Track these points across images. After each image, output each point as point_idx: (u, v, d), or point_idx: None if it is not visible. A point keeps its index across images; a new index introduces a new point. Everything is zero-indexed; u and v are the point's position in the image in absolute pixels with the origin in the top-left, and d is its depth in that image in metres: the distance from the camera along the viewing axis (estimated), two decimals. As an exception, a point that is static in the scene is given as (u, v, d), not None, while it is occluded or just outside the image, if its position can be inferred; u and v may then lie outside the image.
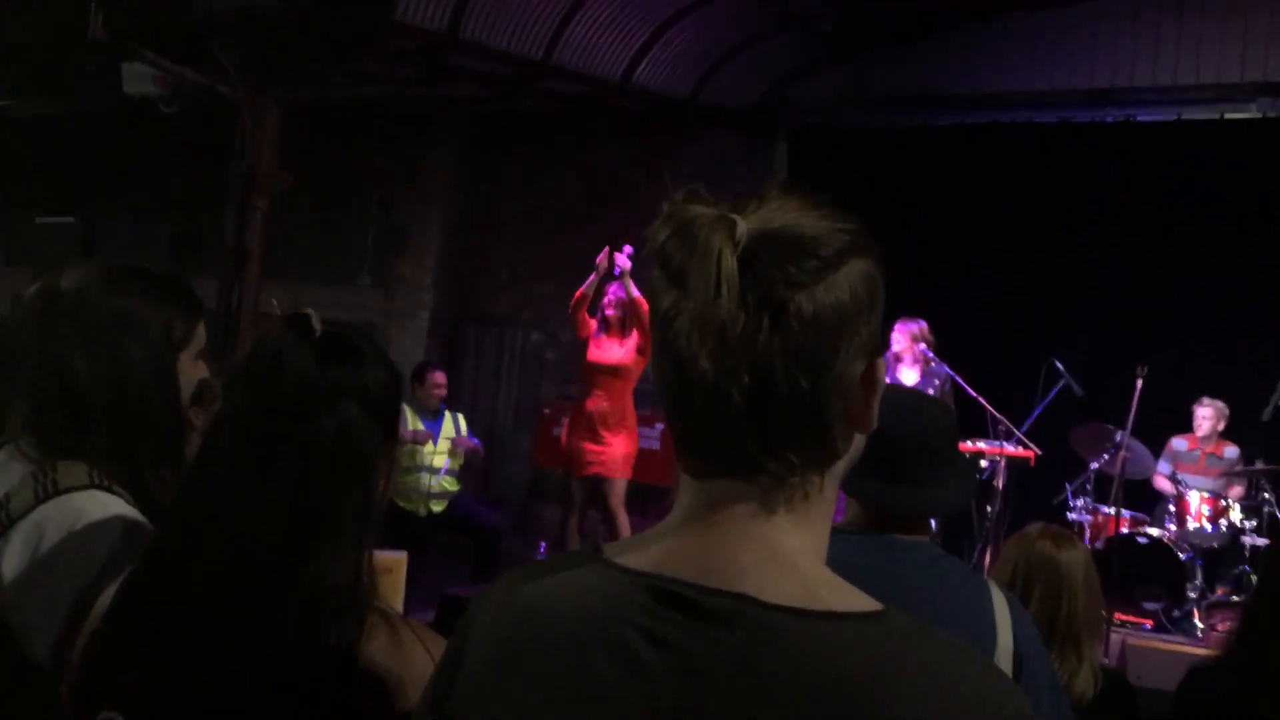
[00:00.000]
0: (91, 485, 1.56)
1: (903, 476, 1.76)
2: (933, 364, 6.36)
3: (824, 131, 8.70)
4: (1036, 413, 6.54)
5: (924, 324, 6.44)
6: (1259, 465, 6.41)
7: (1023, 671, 1.66)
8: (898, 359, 6.36)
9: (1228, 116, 7.40)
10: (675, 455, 0.90)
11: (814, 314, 0.82)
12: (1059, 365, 6.52)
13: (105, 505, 1.55)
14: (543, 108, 8.64)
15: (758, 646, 0.80)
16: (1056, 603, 2.66)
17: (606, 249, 6.30)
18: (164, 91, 6.47)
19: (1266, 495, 6.26)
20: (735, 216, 0.83)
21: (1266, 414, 6.38)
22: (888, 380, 5.82)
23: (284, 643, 1.24)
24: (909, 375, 6.36)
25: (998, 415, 6.01)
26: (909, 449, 1.77)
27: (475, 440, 6.90)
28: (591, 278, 6.34)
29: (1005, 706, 0.80)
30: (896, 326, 6.39)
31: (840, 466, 0.90)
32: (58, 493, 1.54)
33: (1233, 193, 7.38)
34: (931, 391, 6.32)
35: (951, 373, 6.35)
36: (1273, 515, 6.24)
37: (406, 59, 7.05)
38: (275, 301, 5.70)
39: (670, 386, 0.86)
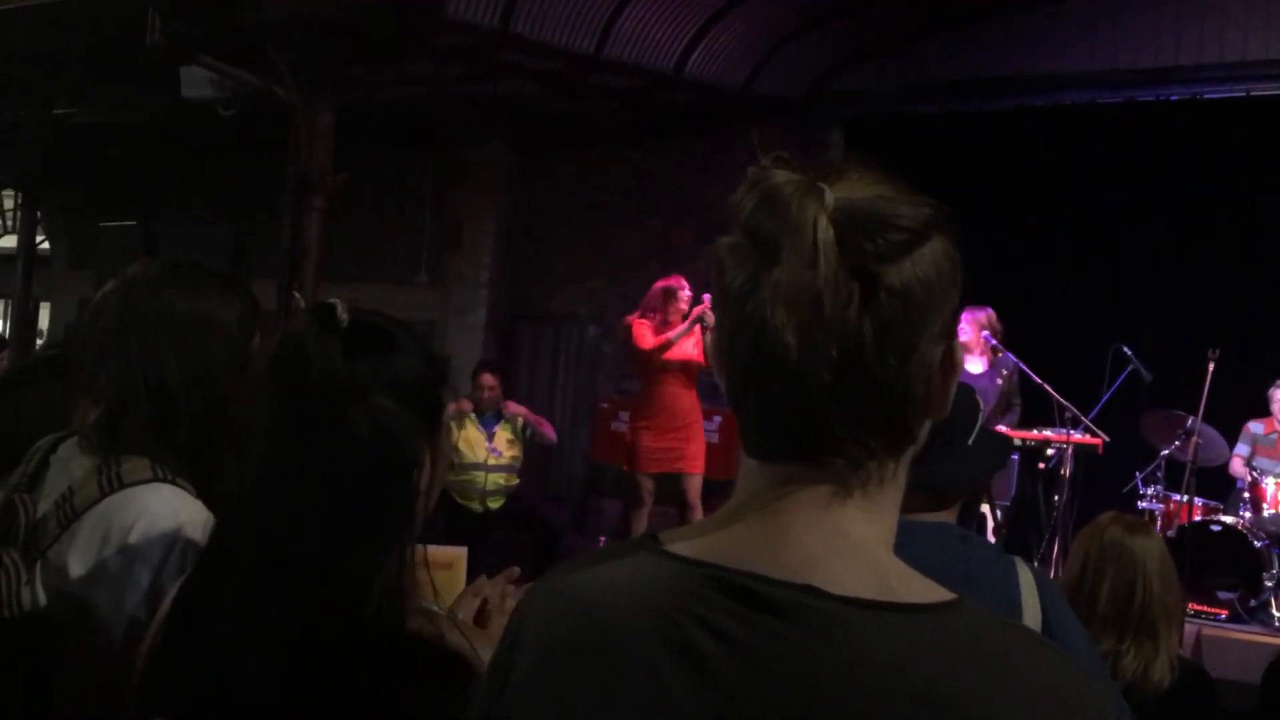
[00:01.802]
0: (156, 479, 1.56)
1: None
2: (1000, 354, 6.25)
3: (878, 120, 8.59)
4: (1105, 399, 6.41)
5: (991, 312, 6.35)
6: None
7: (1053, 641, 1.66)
8: (965, 348, 6.25)
9: (1296, 92, 7.17)
10: (741, 440, 0.87)
11: (903, 289, 0.79)
12: (1127, 351, 6.38)
13: (169, 499, 1.55)
14: (595, 102, 8.62)
15: (826, 640, 0.76)
16: (1130, 590, 2.60)
17: (705, 300, 6.14)
18: (221, 95, 6.55)
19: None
20: (823, 185, 0.80)
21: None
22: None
23: (325, 646, 1.21)
24: (975, 365, 6.27)
25: (1064, 403, 5.89)
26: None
27: (547, 425, 6.97)
28: (682, 326, 6.20)
29: (1087, 700, 0.77)
30: (963, 315, 6.29)
31: (911, 453, 0.87)
32: (123, 486, 1.54)
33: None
34: (999, 382, 6.23)
35: (1018, 361, 6.25)
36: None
37: (458, 57, 7.07)
38: (298, 295, 5.75)
39: (744, 365, 0.82)
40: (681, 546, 0.84)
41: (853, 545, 0.81)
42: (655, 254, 9.09)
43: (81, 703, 1.51)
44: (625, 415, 7.96)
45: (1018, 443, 6.09)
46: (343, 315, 1.27)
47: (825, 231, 0.78)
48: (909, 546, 1.69)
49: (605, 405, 8.75)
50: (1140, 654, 2.59)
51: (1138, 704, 2.45)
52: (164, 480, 1.56)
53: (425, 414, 1.30)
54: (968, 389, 2.00)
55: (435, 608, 1.36)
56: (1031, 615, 1.68)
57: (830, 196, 0.79)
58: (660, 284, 6.30)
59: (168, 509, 1.54)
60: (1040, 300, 7.84)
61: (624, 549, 0.88)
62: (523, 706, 0.85)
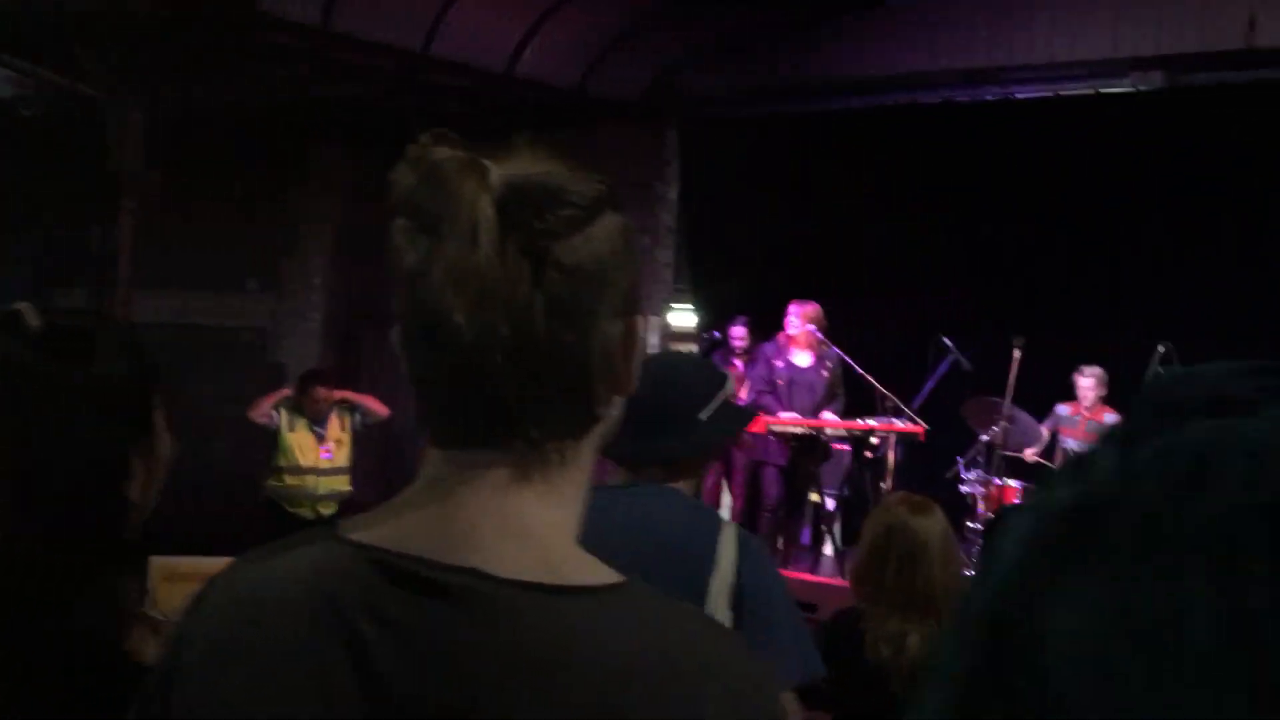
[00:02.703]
0: None
1: (638, 432, 1.85)
2: (826, 346, 6.41)
3: (715, 121, 8.73)
4: (927, 389, 6.63)
5: (817, 306, 6.48)
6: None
7: (744, 605, 1.75)
8: (792, 341, 6.39)
9: (1102, 91, 7.55)
10: (422, 427, 0.85)
11: (575, 265, 0.78)
12: (947, 341, 6.61)
13: None
14: (430, 102, 8.51)
15: (488, 624, 0.75)
16: (913, 567, 2.67)
17: None
18: (22, 93, 6.23)
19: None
20: (487, 162, 0.78)
21: (1147, 379, 6.54)
22: (781, 364, 5.81)
23: (31, 657, 1.14)
24: (803, 358, 6.39)
25: (885, 392, 6.08)
26: (638, 405, 1.87)
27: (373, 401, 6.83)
28: None
29: (750, 678, 0.78)
30: (791, 309, 6.43)
31: (600, 431, 0.87)
32: None
33: (1107, 166, 7.56)
34: (825, 374, 6.38)
35: (841, 354, 6.41)
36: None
37: (282, 54, 6.88)
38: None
39: (419, 348, 0.81)
40: (357, 533, 0.82)
41: (526, 528, 0.80)
42: (496, 254, 9.03)
43: None
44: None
45: (844, 433, 6.25)
46: (31, 320, 1.19)
47: (487, 209, 0.76)
48: (623, 506, 1.78)
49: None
50: (925, 633, 2.66)
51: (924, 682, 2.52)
52: None
53: (131, 419, 1.23)
54: (708, 364, 2.06)
55: (160, 615, 1.30)
56: (723, 576, 1.76)
57: (495, 173, 0.78)
58: None
59: None
60: (866, 294, 8.08)
61: (304, 538, 0.85)
62: (184, 706, 0.81)
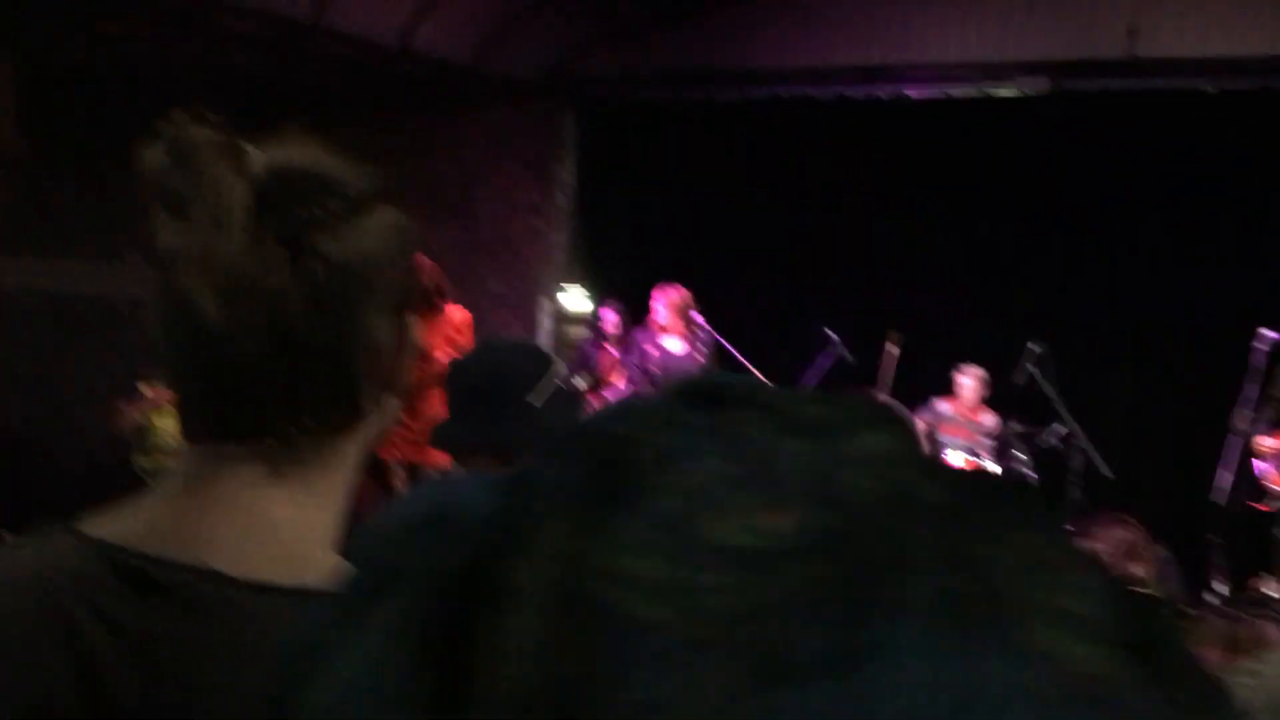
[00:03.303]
0: None
1: (466, 421, 1.88)
2: (698, 331, 6.41)
3: (613, 106, 8.70)
4: (810, 380, 6.70)
5: (683, 290, 6.42)
6: (1013, 427, 6.74)
7: None
8: (662, 327, 6.37)
9: (989, 94, 7.72)
10: (179, 422, 0.82)
11: (339, 257, 0.76)
12: (829, 332, 6.69)
13: None
14: (320, 75, 8.32)
15: (215, 626, 0.72)
16: None
17: None
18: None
19: (1020, 455, 6.60)
20: (249, 147, 0.76)
21: (1019, 377, 6.73)
22: (655, 352, 5.76)
23: None
24: (675, 344, 6.38)
25: (764, 380, 6.12)
26: (467, 394, 1.90)
27: None
28: None
29: None
30: (655, 295, 6.40)
31: (368, 430, 0.83)
32: None
33: (993, 167, 7.74)
34: (699, 358, 6.38)
35: (717, 337, 6.41)
36: (1023, 475, 6.58)
37: (159, 18, 6.65)
38: None
39: (173, 339, 0.77)
40: (98, 529, 0.78)
41: (273, 528, 0.77)
42: (387, 233, 8.90)
43: None
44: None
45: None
46: None
47: (241, 194, 0.73)
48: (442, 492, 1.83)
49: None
50: None
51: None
52: None
53: None
54: (534, 349, 2.06)
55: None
56: None
57: (257, 158, 0.76)
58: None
59: None
60: (758, 284, 8.16)
61: (42, 534, 0.81)
62: None
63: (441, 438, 1.97)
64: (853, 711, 0.24)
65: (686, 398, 0.32)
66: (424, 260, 5.62)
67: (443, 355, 5.34)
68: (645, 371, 6.29)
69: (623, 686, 0.25)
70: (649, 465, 0.29)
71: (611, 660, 0.26)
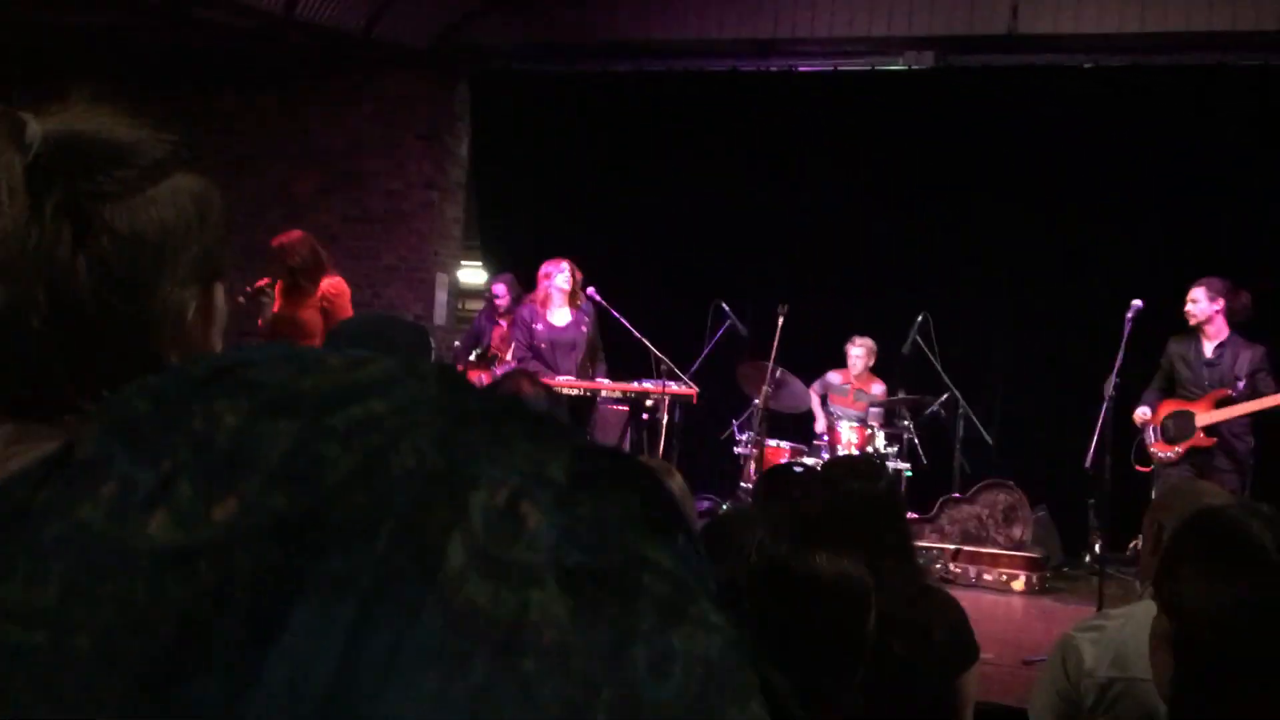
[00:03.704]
0: None
1: None
2: (581, 302, 6.39)
3: (506, 75, 8.62)
4: (706, 352, 6.77)
5: (568, 262, 6.37)
6: (900, 396, 6.92)
7: None
8: (547, 300, 6.33)
9: (879, 69, 7.85)
10: None
11: (130, 229, 0.73)
12: (725, 307, 6.75)
13: None
14: (205, 41, 8.06)
15: None
16: None
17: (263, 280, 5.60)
18: None
19: (906, 423, 6.78)
20: (26, 115, 0.72)
21: (905, 348, 6.90)
22: (540, 326, 5.70)
23: None
24: (560, 316, 6.34)
25: (659, 355, 6.17)
26: None
27: None
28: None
29: None
30: (542, 268, 6.36)
31: None
32: None
33: (882, 141, 7.89)
34: (585, 329, 6.36)
35: (610, 310, 6.41)
36: (912, 441, 6.76)
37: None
38: None
39: None
40: None
41: None
42: (276, 205, 8.69)
43: None
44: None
45: (619, 395, 6.32)
46: None
47: (14, 164, 0.70)
48: None
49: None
50: None
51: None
52: None
53: None
54: (418, 328, 2.03)
55: None
56: None
57: (34, 127, 0.71)
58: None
59: None
60: (653, 257, 8.19)
61: None
62: None
63: None
64: (232, 700, 0.26)
65: (179, 383, 0.33)
66: (300, 233, 5.51)
67: (318, 324, 5.26)
68: (531, 345, 6.27)
69: (5, 708, 0.26)
70: (66, 481, 0.30)
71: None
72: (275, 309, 5.40)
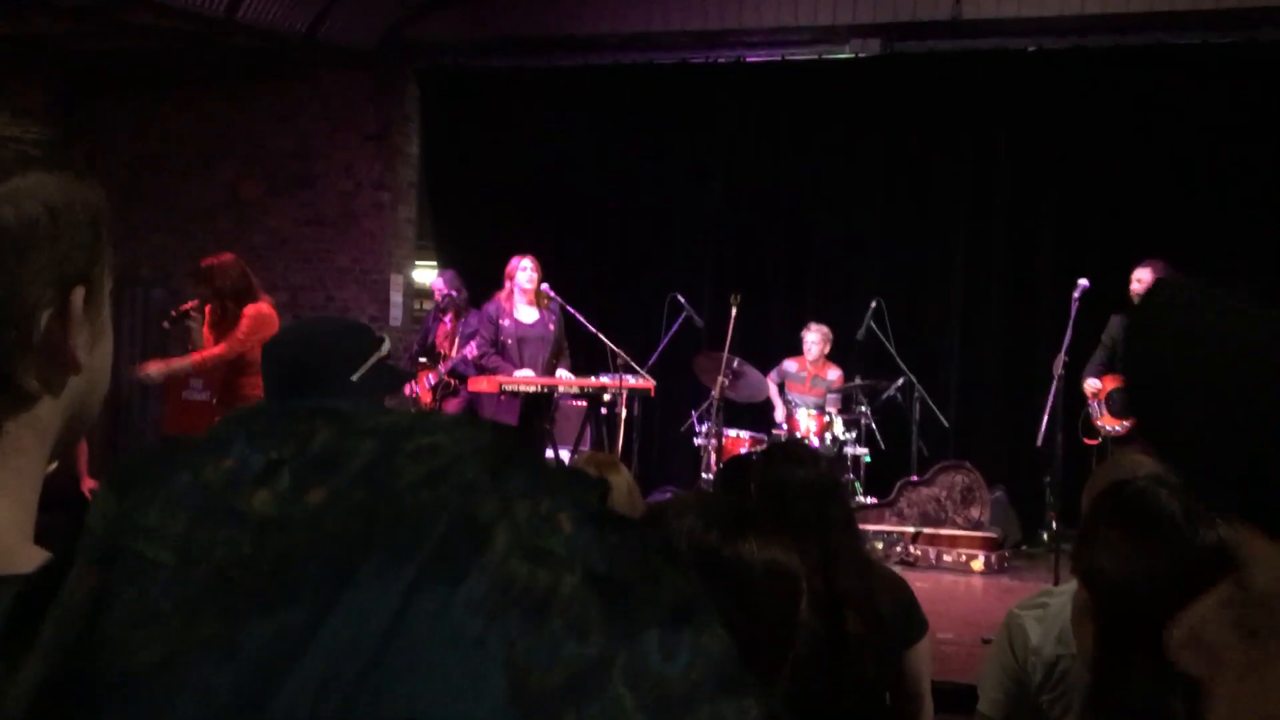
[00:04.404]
0: None
1: (278, 395, 1.87)
2: (548, 301, 6.41)
3: (454, 73, 8.57)
4: (662, 345, 6.78)
5: (530, 258, 6.38)
6: (857, 381, 6.97)
7: None
8: (516, 297, 6.35)
9: (826, 57, 7.89)
10: None
11: None
12: (680, 299, 6.77)
13: None
14: (146, 44, 7.96)
15: None
16: None
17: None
18: None
19: (863, 409, 6.83)
20: None
21: (860, 334, 6.95)
22: (507, 322, 5.68)
23: None
24: (529, 313, 6.36)
25: (616, 349, 6.17)
26: (285, 372, 1.88)
27: None
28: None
29: None
30: (510, 265, 6.36)
31: (46, 414, 0.79)
32: None
33: (831, 129, 7.93)
34: (552, 328, 6.38)
35: (571, 310, 6.43)
36: (869, 426, 6.81)
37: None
38: None
39: None
40: None
41: None
42: (224, 207, 8.60)
43: None
44: (199, 384, 7.51)
45: (578, 390, 6.32)
46: None
47: None
48: None
49: (175, 373, 8.19)
50: None
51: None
52: None
53: None
54: (355, 325, 2.02)
55: None
56: None
57: None
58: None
59: None
60: (607, 251, 8.19)
61: None
62: None
63: None
64: (314, 625, 0.33)
65: (288, 409, 0.40)
66: (230, 256, 5.44)
67: (251, 345, 5.17)
68: (496, 341, 6.26)
69: (122, 601, 0.35)
70: (198, 449, 0.39)
71: (124, 583, 0.35)
72: (205, 331, 5.35)
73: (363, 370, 1.89)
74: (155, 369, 5.40)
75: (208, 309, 5.34)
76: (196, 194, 8.57)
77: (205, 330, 5.35)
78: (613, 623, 0.35)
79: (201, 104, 8.69)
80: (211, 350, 5.27)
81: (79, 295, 0.80)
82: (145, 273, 8.67)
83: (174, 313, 5.45)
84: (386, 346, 1.96)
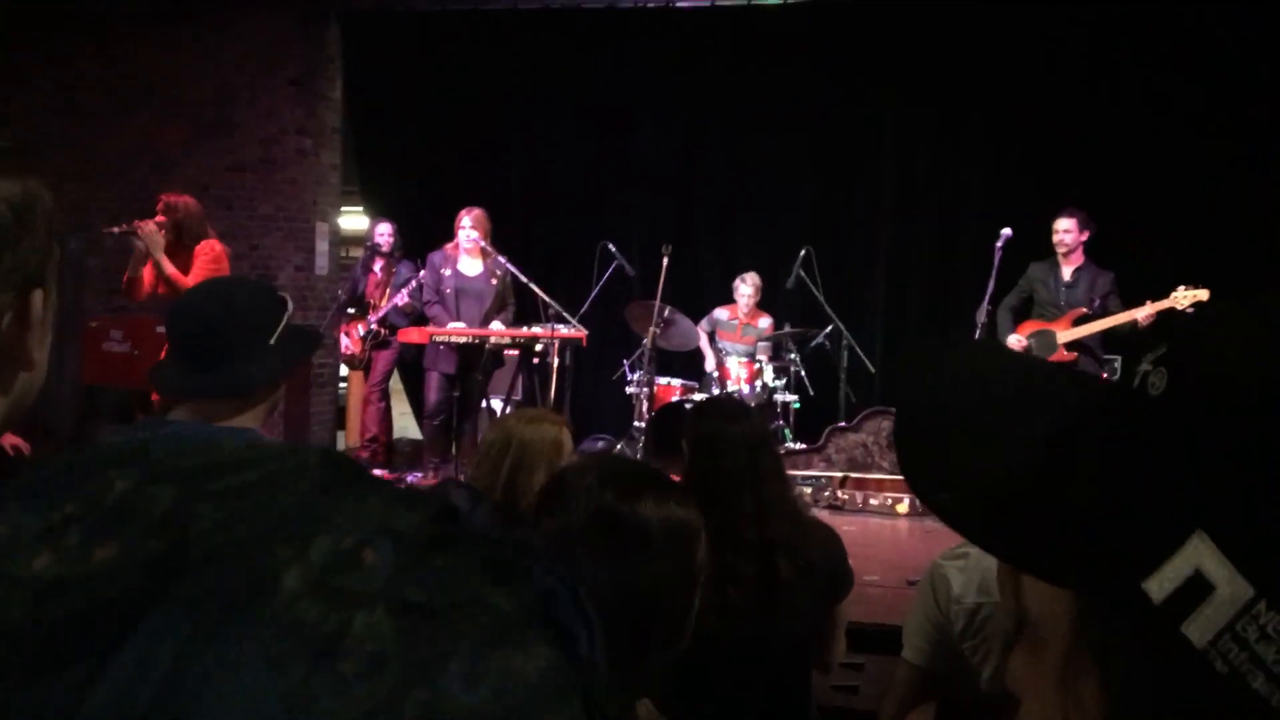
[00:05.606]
0: None
1: (197, 363, 1.83)
2: (491, 255, 6.40)
3: (377, 16, 8.38)
4: (594, 294, 6.78)
5: (481, 211, 6.40)
6: (787, 329, 7.05)
7: None
8: (461, 249, 6.35)
9: (755, 3, 7.85)
10: None
11: None
12: (611, 248, 6.76)
13: None
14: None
15: None
16: (527, 476, 2.77)
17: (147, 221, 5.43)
18: None
19: (793, 356, 6.91)
20: None
21: (790, 282, 7.02)
22: (449, 273, 5.65)
23: None
24: (472, 266, 6.36)
25: (548, 299, 6.16)
26: (199, 334, 1.84)
27: None
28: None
29: None
30: (461, 216, 6.35)
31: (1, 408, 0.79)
32: None
33: (760, 76, 7.92)
34: (494, 283, 6.39)
35: (505, 262, 6.43)
36: (799, 374, 6.91)
37: None
38: None
39: None
40: None
41: None
42: (142, 156, 8.35)
43: None
44: (118, 334, 7.33)
45: (509, 340, 6.31)
46: None
47: None
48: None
49: (95, 324, 7.98)
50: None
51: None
52: None
53: None
54: (267, 288, 2.01)
55: None
56: None
57: None
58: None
59: None
60: (535, 199, 8.14)
61: None
62: None
63: (165, 383, 1.89)
64: (86, 686, 0.32)
65: (89, 460, 0.38)
66: (181, 197, 5.35)
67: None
68: (439, 294, 6.27)
69: None
70: None
71: None
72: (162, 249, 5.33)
73: (278, 333, 1.87)
74: (147, 230, 5.32)
75: (162, 234, 5.26)
76: (114, 143, 8.31)
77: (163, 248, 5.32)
78: (413, 655, 0.33)
79: (118, 48, 8.39)
80: (177, 272, 5.27)
81: (38, 298, 0.80)
82: (60, 222, 8.39)
83: (124, 225, 5.39)
84: (291, 307, 1.95)
